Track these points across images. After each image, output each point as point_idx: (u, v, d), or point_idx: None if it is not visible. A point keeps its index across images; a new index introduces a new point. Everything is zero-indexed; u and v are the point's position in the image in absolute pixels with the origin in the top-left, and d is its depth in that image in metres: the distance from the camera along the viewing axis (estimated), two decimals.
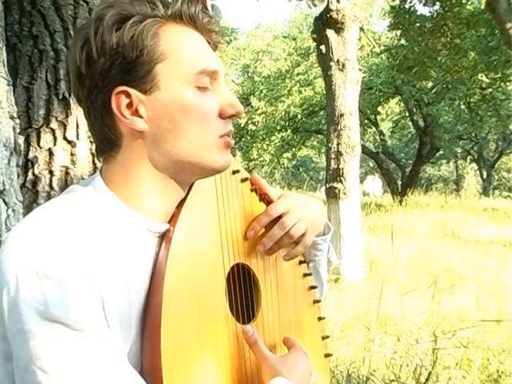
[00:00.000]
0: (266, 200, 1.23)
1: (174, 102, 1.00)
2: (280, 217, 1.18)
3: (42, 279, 0.88)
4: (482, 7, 13.12)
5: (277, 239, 1.17)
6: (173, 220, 1.05)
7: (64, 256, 0.89)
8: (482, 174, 30.07)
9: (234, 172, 1.19)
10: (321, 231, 1.30)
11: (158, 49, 1.00)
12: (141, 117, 1.00)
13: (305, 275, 1.31)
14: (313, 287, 1.33)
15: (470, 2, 15.82)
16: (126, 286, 0.96)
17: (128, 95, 0.99)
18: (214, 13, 1.26)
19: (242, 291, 1.15)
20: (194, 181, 1.08)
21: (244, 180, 1.22)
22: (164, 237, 1.04)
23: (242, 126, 20.42)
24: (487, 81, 17.73)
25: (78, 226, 0.94)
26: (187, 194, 1.08)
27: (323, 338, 1.33)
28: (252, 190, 1.22)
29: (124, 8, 1.00)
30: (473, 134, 25.83)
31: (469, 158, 30.81)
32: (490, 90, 19.01)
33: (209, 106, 1.03)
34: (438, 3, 14.60)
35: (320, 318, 1.34)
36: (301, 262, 1.32)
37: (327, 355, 1.34)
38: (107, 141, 1.03)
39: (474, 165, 31.68)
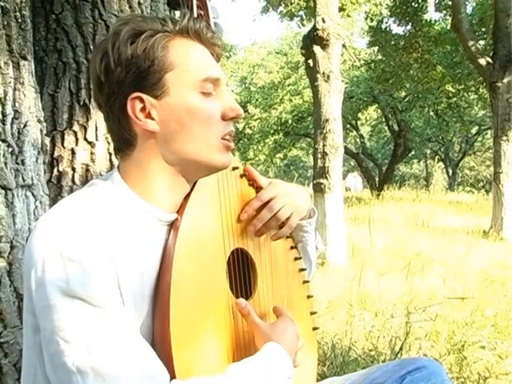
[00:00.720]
0: (257, 188, 1.23)
1: (182, 105, 1.00)
2: (269, 202, 1.18)
3: (66, 261, 0.88)
4: (448, 27, 13.11)
5: (265, 221, 1.17)
6: (180, 210, 1.05)
7: (85, 241, 0.90)
8: (448, 172, 30.09)
9: (234, 168, 1.20)
10: (305, 215, 1.29)
11: (167, 59, 1.00)
12: (153, 119, 1.01)
13: (296, 259, 1.32)
14: (302, 269, 1.33)
15: (437, 23, 15.80)
16: (139, 268, 0.97)
17: (141, 100, 1.00)
18: (216, 29, 1.25)
19: (241, 272, 1.16)
20: (198, 178, 1.08)
21: (242, 175, 1.22)
22: (172, 225, 1.04)
23: (240, 130, 20.41)
24: (452, 91, 17.72)
25: (98, 215, 0.95)
26: (193, 187, 1.07)
27: (311, 313, 1.34)
28: (250, 185, 1.22)
29: (138, 24, 1.01)
30: (440, 137, 25.86)
31: (436, 157, 30.84)
32: (455, 99, 19.02)
33: (212, 109, 1.03)
34: (410, 23, 14.57)
35: (309, 296, 1.34)
36: (292, 248, 1.32)
37: (315, 328, 1.34)
38: (124, 141, 1.03)
39: (441, 164, 31.70)
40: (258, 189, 1.23)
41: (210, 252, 1.07)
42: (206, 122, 1.02)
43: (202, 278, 1.03)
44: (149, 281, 0.98)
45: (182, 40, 1.03)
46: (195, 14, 1.21)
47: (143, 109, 1.00)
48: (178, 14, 1.23)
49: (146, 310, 0.97)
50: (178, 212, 1.05)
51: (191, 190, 1.08)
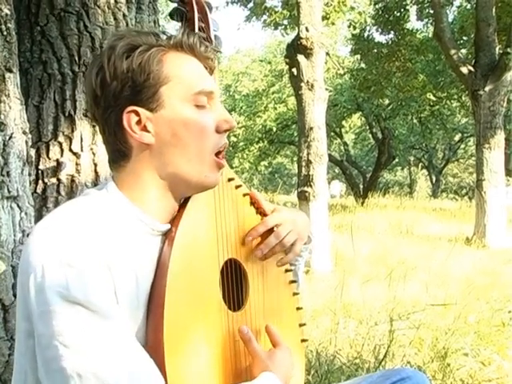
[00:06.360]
0: (261, 213, 1.25)
1: (177, 118, 1.03)
2: (273, 228, 1.21)
3: (65, 267, 0.89)
4: (430, 36, 13.25)
5: (271, 246, 1.20)
6: (175, 221, 1.07)
7: (83, 247, 0.91)
8: (431, 179, 30.29)
9: (230, 180, 1.21)
10: (305, 241, 1.31)
11: (162, 73, 1.02)
12: (148, 132, 1.03)
13: (286, 271, 1.33)
14: (293, 281, 1.34)
15: (419, 32, 15.98)
16: (134, 275, 0.98)
17: (137, 113, 1.02)
18: (216, 42, 1.28)
19: (233, 283, 1.18)
20: (186, 195, 1.10)
21: (245, 195, 1.24)
22: (167, 235, 1.06)
23: None
24: (434, 99, 17.87)
25: (95, 223, 0.96)
26: (187, 198, 1.10)
27: (300, 325, 1.35)
28: (251, 204, 1.24)
29: (132, 39, 1.03)
30: (423, 145, 26.02)
31: (420, 165, 31.02)
32: (438, 106, 19.18)
33: (206, 121, 1.05)
34: (392, 32, 14.71)
35: (298, 308, 1.35)
36: None
37: (303, 340, 1.35)
38: (119, 152, 1.05)
39: (425, 171, 31.90)
40: (259, 209, 1.25)
41: (204, 262, 1.09)
42: (201, 135, 1.04)
43: (195, 289, 1.05)
44: (144, 289, 1.00)
45: (176, 54, 1.05)
46: (196, 27, 1.23)
47: (139, 122, 1.02)
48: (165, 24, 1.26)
49: (141, 317, 0.99)
50: (171, 222, 1.07)
51: (186, 200, 1.09)
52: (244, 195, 1.24)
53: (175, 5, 1.27)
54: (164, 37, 1.05)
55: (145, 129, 1.02)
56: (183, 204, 1.09)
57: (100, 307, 0.89)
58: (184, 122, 1.02)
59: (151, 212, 1.05)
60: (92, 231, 0.94)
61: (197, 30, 1.21)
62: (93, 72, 1.03)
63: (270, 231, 1.20)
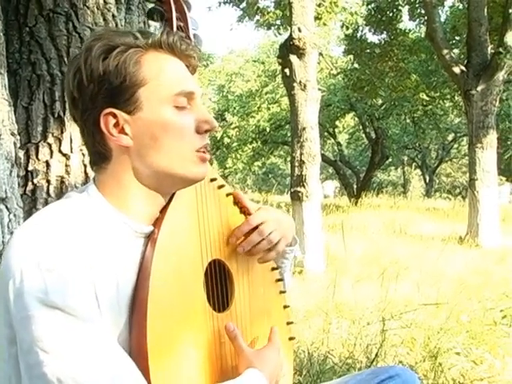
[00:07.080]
0: (245, 212, 1.24)
1: (155, 120, 1.01)
2: (257, 226, 1.20)
3: (44, 271, 0.88)
4: (423, 36, 13.29)
5: (254, 244, 1.18)
6: (157, 223, 1.06)
7: (62, 251, 0.91)
8: (425, 179, 30.35)
9: (212, 180, 1.20)
10: (289, 242, 1.31)
11: (139, 75, 1.00)
12: (126, 134, 1.01)
13: (272, 269, 1.33)
14: (279, 280, 1.34)
15: (412, 32, 16.02)
16: (115, 279, 0.97)
17: (114, 116, 1.00)
18: (195, 41, 1.27)
19: (218, 284, 1.17)
20: (173, 191, 1.09)
21: (228, 194, 1.24)
22: (149, 238, 1.05)
23: (218, 138, 20.37)
24: (427, 99, 17.91)
25: (74, 226, 0.95)
26: (170, 199, 1.08)
27: (288, 323, 1.35)
28: (235, 204, 1.24)
29: (110, 39, 1.01)
30: (417, 144, 26.06)
31: (414, 164, 31.09)
32: (431, 106, 19.22)
33: (186, 122, 1.04)
34: (384, 32, 14.75)
35: (285, 307, 1.35)
36: None
37: (291, 338, 1.35)
38: (99, 155, 1.04)
39: (418, 171, 31.96)
40: (242, 208, 1.25)
41: (188, 265, 1.08)
42: (180, 136, 1.03)
43: (179, 291, 1.04)
44: (125, 293, 0.99)
45: (155, 54, 1.03)
46: (174, 26, 1.22)
47: (116, 124, 1.01)
48: (157, 25, 1.26)
49: (123, 321, 0.98)
50: (154, 224, 1.06)
51: (169, 201, 1.08)
52: (227, 195, 1.23)
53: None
54: (143, 36, 1.03)
55: (123, 131, 1.01)
56: (165, 206, 1.08)
57: (79, 311, 0.89)
58: (162, 124, 1.01)
59: (133, 214, 1.04)
60: (72, 235, 0.93)
61: (175, 29, 1.20)
62: (70, 74, 1.02)
63: (255, 230, 1.19)
